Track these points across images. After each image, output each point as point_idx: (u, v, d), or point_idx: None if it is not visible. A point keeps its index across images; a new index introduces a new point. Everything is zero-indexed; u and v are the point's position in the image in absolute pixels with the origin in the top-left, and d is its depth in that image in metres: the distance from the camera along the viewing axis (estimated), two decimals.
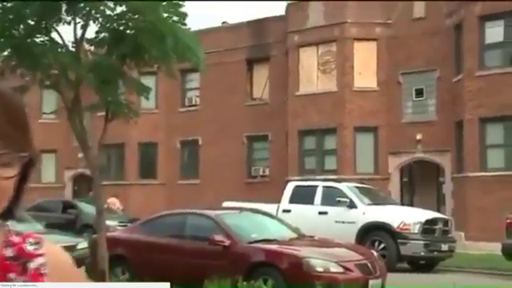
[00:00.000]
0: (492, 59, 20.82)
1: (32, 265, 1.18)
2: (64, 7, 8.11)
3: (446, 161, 22.41)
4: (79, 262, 10.21)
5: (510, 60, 20.55)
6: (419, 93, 23.21)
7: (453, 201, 21.92)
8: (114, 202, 21.52)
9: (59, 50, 8.42)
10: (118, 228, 14.20)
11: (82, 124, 8.76)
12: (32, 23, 8.21)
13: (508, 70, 20.40)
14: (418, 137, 22.71)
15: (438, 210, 20.02)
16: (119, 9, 7.94)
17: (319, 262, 8.85)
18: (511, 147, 20.25)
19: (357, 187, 15.94)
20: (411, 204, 22.22)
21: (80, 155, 22.79)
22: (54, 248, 1.22)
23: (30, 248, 1.19)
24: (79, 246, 11.23)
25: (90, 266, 9.86)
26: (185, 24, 8.28)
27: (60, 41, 8.52)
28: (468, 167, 20.77)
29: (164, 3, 7.93)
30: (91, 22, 8.29)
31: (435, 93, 22.78)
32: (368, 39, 23.65)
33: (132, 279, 9.62)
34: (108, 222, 12.46)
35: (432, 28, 22.69)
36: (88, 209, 17.57)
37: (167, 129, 28.66)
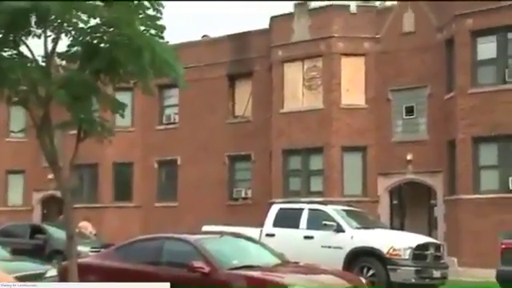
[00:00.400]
0: (485, 76, 21.06)
1: None
2: (34, 19, 8.06)
3: (438, 182, 22.54)
4: None
5: (504, 77, 20.77)
6: (409, 111, 23.38)
7: (445, 224, 22.00)
8: (86, 226, 21.39)
9: (28, 64, 8.37)
10: (91, 254, 14.03)
11: (52, 143, 8.71)
12: None
13: (502, 88, 20.67)
14: (409, 157, 22.88)
15: (430, 235, 20.09)
16: (93, 21, 7.95)
17: None
18: (505, 168, 20.41)
19: (344, 210, 15.99)
20: (401, 228, 22.32)
21: (50, 176, 23.12)
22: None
23: None
24: (48, 274, 11.02)
25: None
26: (162, 37, 8.32)
27: (29, 55, 8.49)
28: (461, 189, 20.90)
29: (141, 16, 7.95)
30: (63, 35, 8.25)
31: (426, 111, 22.99)
32: (356, 54, 23.84)
33: None
34: (79, 248, 12.50)
35: (422, 43, 22.98)
36: (58, 233, 17.42)
37: (144, 148, 28.60)
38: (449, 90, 22.02)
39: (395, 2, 24.12)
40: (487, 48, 20.91)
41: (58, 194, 10.80)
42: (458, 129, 21.09)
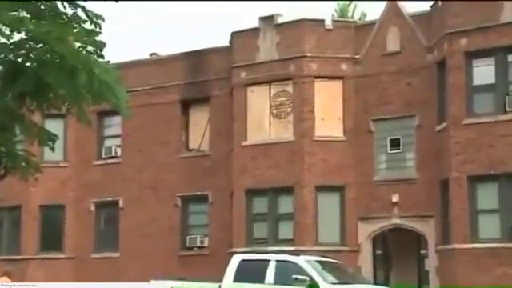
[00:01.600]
0: (482, 104, 21.24)
1: None
2: None
3: (429, 229, 22.56)
4: None
5: (504, 105, 20.97)
6: (395, 144, 23.44)
7: (438, 279, 21.97)
8: (4, 283, 21.06)
9: None
10: None
11: None
12: None
13: (501, 118, 20.95)
14: (394, 199, 23.00)
15: None
16: (17, 36, 7.90)
17: None
18: (508, 212, 20.50)
19: (319, 261, 16.01)
20: (387, 283, 22.31)
21: None
22: None
23: None
24: None
25: None
26: (102, 56, 8.30)
27: None
28: (456, 237, 20.89)
29: (76, 30, 7.94)
30: None
31: (415, 144, 23.19)
32: (332, 77, 23.97)
33: None
34: None
35: (410, 65, 23.29)
36: None
37: (78, 187, 28.36)
38: (441, 120, 22.26)
39: (377, 17, 24.35)
40: (484, 72, 21.11)
41: None
42: (451, 166, 21.16)
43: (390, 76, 23.52)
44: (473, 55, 21.31)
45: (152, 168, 27.09)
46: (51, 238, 28.13)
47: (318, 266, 15.62)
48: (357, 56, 24.18)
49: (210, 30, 49.91)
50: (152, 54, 28.77)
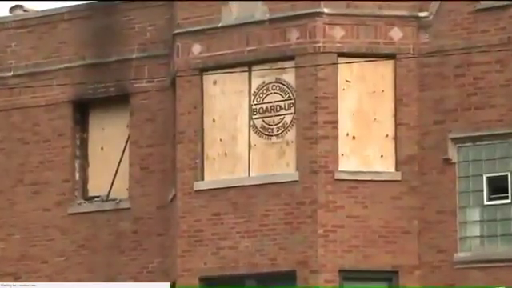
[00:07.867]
0: None
1: None
2: None
3: None
4: None
5: None
6: (499, 188, 21.91)
7: None
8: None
9: None
10: None
11: None
12: None
13: None
14: None
15: None
16: None
17: None
18: None
19: None
20: None
21: None
22: None
23: None
24: None
25: None
26: None
27: None
28: None
29: None
30: None
31: None
32: (373, 55, 22.50)
33: None
34: None
35: None
36: None
37: None
38: None
39: None
40: None
41: None
42: None
43: (489, 54, 21.70)
44: None
45: (14, 237, 25.75)
46: None
47: None
48: (422, 14, 22.24)
49: None
50: (15, 9, 27.60)
